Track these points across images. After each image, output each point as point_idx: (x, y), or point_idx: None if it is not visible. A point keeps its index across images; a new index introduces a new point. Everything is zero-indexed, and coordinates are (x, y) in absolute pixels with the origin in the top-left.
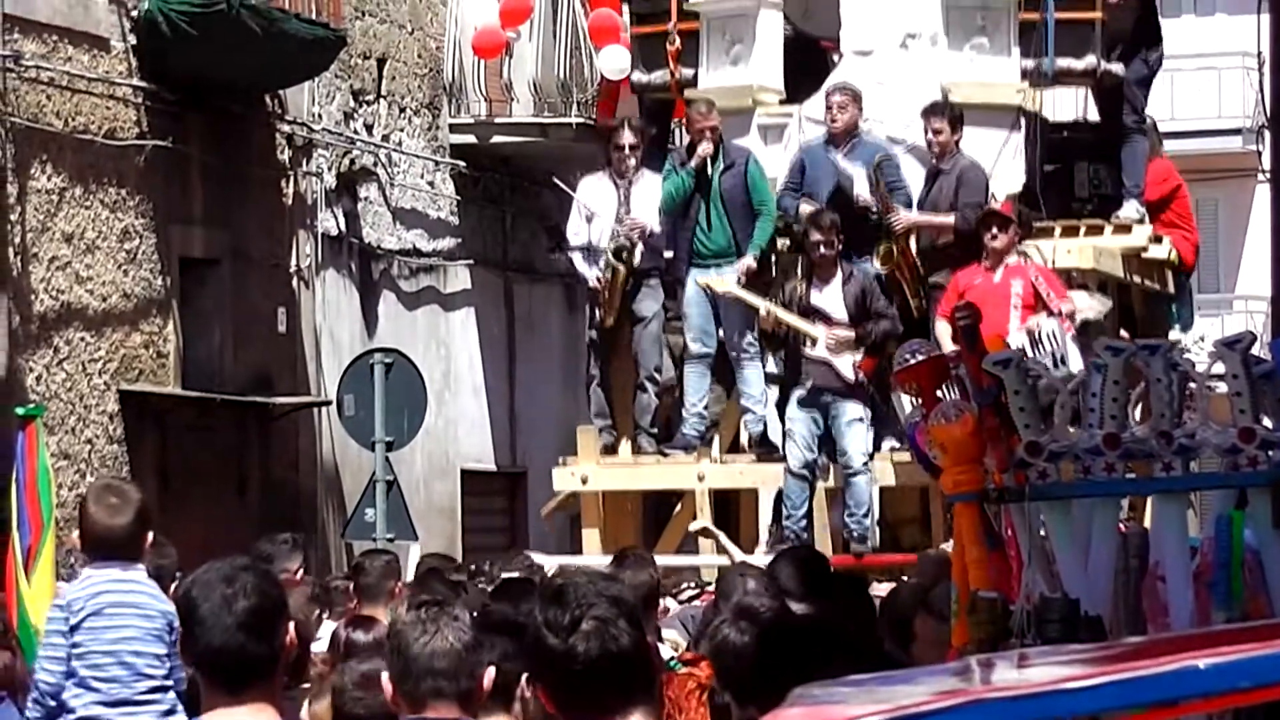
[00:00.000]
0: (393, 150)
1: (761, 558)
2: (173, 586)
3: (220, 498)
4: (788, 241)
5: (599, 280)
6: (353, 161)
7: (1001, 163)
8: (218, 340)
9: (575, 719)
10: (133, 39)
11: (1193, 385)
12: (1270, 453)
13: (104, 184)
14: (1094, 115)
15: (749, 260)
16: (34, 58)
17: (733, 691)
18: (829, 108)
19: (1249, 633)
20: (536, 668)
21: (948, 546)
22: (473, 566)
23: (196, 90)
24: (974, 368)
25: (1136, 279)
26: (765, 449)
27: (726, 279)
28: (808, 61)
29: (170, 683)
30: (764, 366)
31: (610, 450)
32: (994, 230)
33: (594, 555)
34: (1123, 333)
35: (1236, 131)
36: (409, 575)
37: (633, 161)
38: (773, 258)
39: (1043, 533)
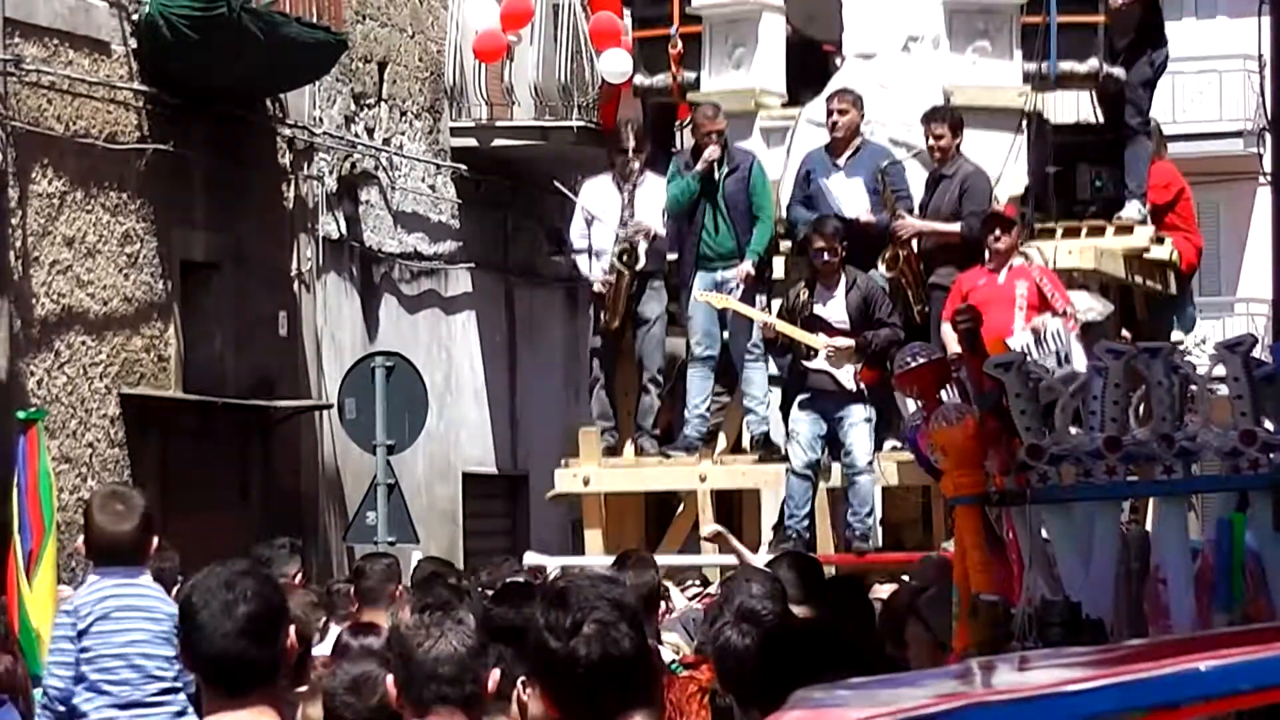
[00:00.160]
0: (394, 154)
1: (765, 558)
2: (174, 590)
3: (221, 501)
4: (790, 244)
5: (603, 283)
6: (354, 165)
7: (1004, 166)
8: (219, 344)
9: None
10: (133, 43)
11: (1194, 388)
12: (1271, 455)
13: (105, 188)
14: (1096, 117)
15: (747, 266)
16: (35, 62)
17: (735, 694)
18: (830, 113)
19: (1250, 635)
20: (538, 670)
21: (949, 546)
22: (459, 572)
23: (197, 94)
24: (975, 371)
25: (1138, 280)
26: (767, 450)
27: (724, 295)
28: (809, 64)
29: (180, 685)
30: (767, 368)
31: (612, 452)
32: (997, 232)
33: (596, 556)
34: (1124, 333)
35: (1238, 134)
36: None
37: (636, 164)
38: (777, 260)
39: (1044, 535)
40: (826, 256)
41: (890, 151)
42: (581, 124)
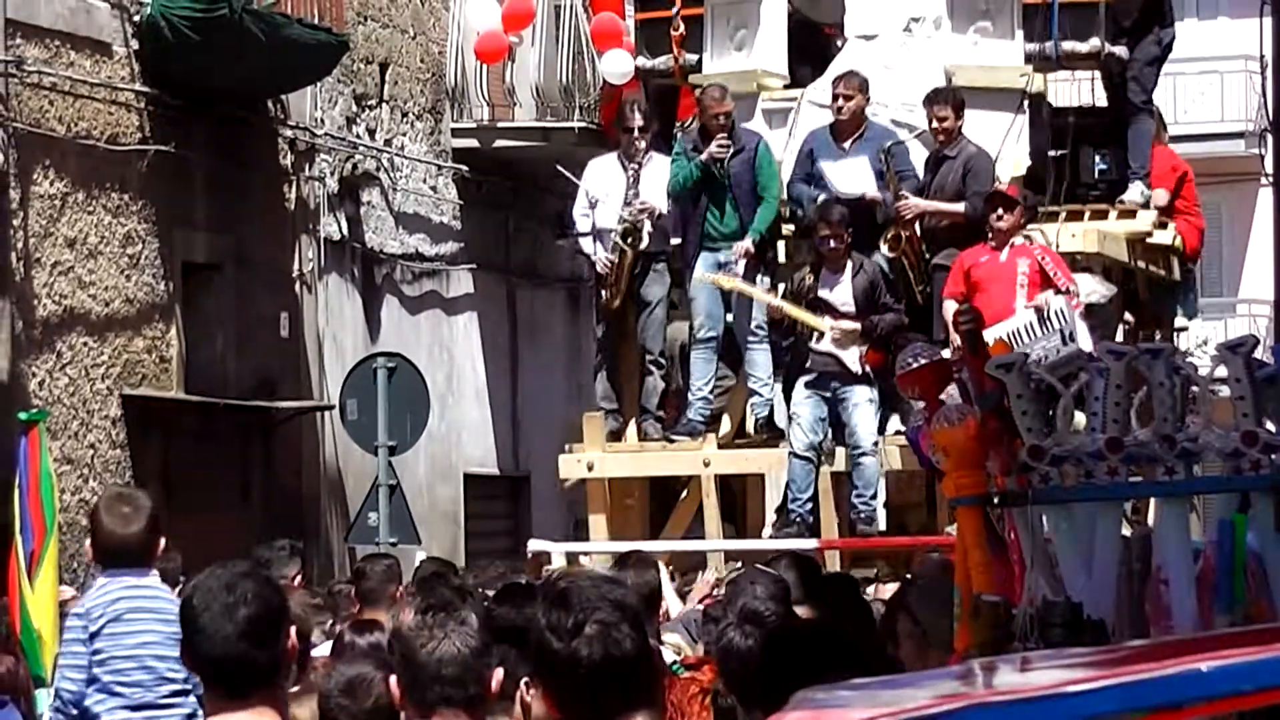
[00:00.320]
0: (395, 155)
1: (768, 541)
2: (176, 591)
3: (223, 502)
4: (793, 228)
5: (606, 262)
6: (355, 166)
7: (1005, 146)
8: (220, 345)
9: None
10: (135, 44)
11: (1195, 389)
12: (1273, 456)
13: (106, 189)
14: (1101, 100)
15: (747, 243)
16: (37, 63)
17: (739, 696)
18: (835, 97)
19: (1251, 636)
20: (540, 671)
21: (953, 530)
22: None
23: (199, 95)
24: (977, 371)
25: (1141, 264)
26: (771, 433)
27: (731, 275)
28: (809, 46)
29: (190, 686)
30: (771, 351)
31: (616, 436)
32: (1000, 211)
33: (601, 542)
34: (1127, 317)
35: (1239, 135)
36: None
37: (642, 144)
38: (779, 244)
39: (1045, 536)
40: (833, 244)
41: (894, 133)
42: (583, 125)
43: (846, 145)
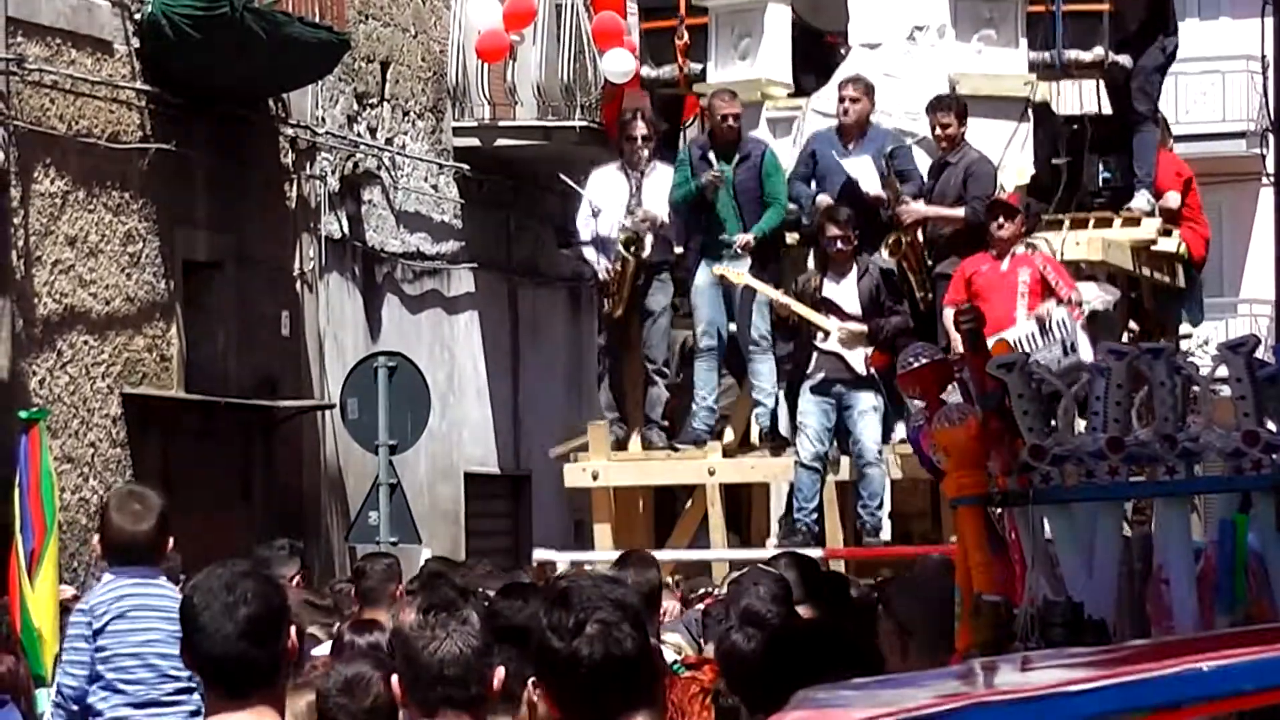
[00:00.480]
0: (396, 154)
1: (773, 550)
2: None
3: (224, 501)
4: (797, 236)
5: (609, 271)
6: (356, 165)
7: (1009, 154)
8: (221, 344)
9: None
10: (136, 42)
11: (1196, 389)
12: (1274, 456)
13: (107, 187)
14: (1104, 105)
15: (748, 236)
16: (38, 61)
17: (743, 698)
18: (841, 100)
19: (1252, 636)
20: (540, 671)
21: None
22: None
23: (200, 94)
24: (978, 371)
25: (1146, 272)
26: (776, 442)
27: (740, 269)
28: (813, 55)
29: (194, 684)
30: (774, 359)
31: (620, 445)
32: (1001, 219)
33: (606, 551)
34: (1132, 325)
35: (1241, 135)
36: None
37: (645, 153)
38: (780, 250)
39: (1046, 536)
40: (840, 245)
41: (898, 135)
42: (584, 124)
43: (850, 147)
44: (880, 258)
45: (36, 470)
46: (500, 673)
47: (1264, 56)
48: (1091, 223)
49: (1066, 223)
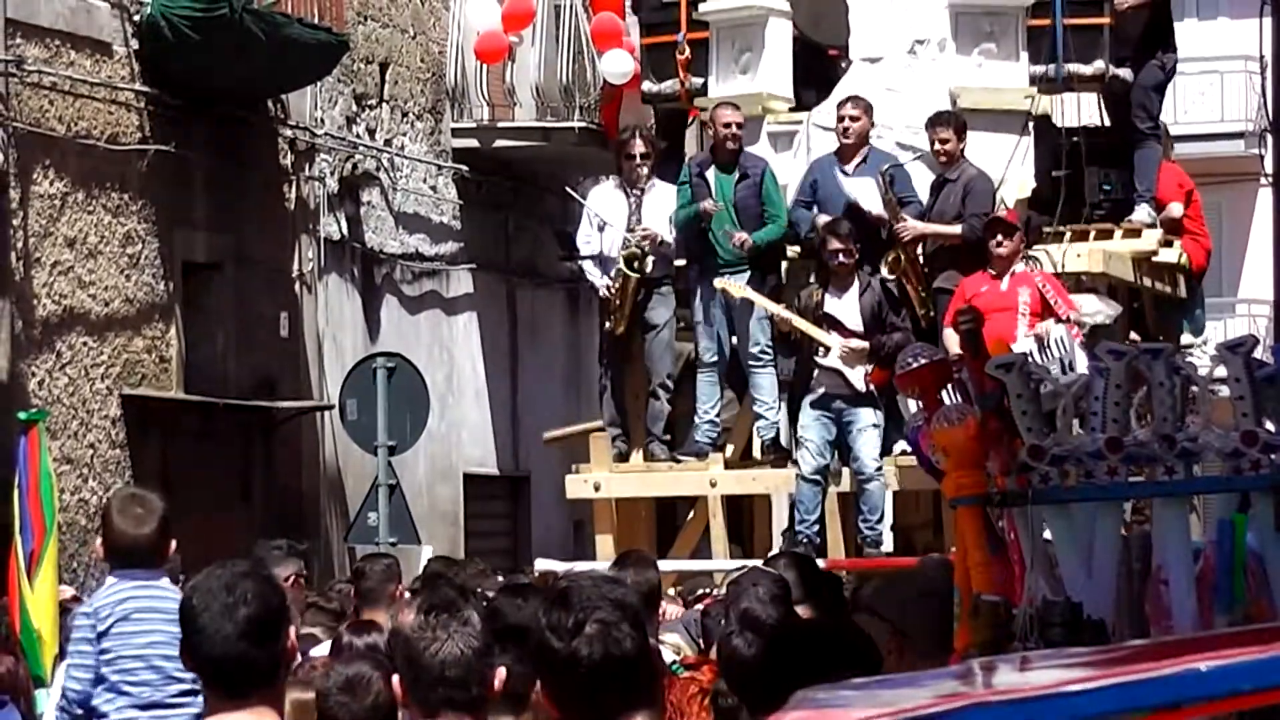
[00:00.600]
0: (395, 155)
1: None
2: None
3: (223, 502)
4: (798, 249)
5: (610, 288)
6: (355, 166)
7: (1010, 168)
8: (220, 345)
9: None
10: (135, 44)
11: (1195, 389)
12: (1273, 456)
13: (106, 189)
14: (1105, 120)
15: (746, 235)
16: (37, 62)
17: (745, 701)
18: (841, 119)
19: (1251, 636)
20: (539, 670)
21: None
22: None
23: (199, 95)
24: (976, 371)
25: (1147, 283)
26: (777, 455)
27: (741, 282)
28: (814, 69)
29: (199, 686)
30: (777, 373)
31: (623, 459)
32: (999, 237)
33: (607, 561)
34: (1133, 336)
35: (1239, 135)
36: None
37: (644, 170)
38: (783, 265)
39: (1045, 536)
40: (842, 258)
41: (894, 156)
42: (583, 125)
43: (850, 169)
44: (878, 276)
45: (36, 471)
46: (501, 673)
47: (1262, 57)
48: (1092, 235)
49: (1067, 235)
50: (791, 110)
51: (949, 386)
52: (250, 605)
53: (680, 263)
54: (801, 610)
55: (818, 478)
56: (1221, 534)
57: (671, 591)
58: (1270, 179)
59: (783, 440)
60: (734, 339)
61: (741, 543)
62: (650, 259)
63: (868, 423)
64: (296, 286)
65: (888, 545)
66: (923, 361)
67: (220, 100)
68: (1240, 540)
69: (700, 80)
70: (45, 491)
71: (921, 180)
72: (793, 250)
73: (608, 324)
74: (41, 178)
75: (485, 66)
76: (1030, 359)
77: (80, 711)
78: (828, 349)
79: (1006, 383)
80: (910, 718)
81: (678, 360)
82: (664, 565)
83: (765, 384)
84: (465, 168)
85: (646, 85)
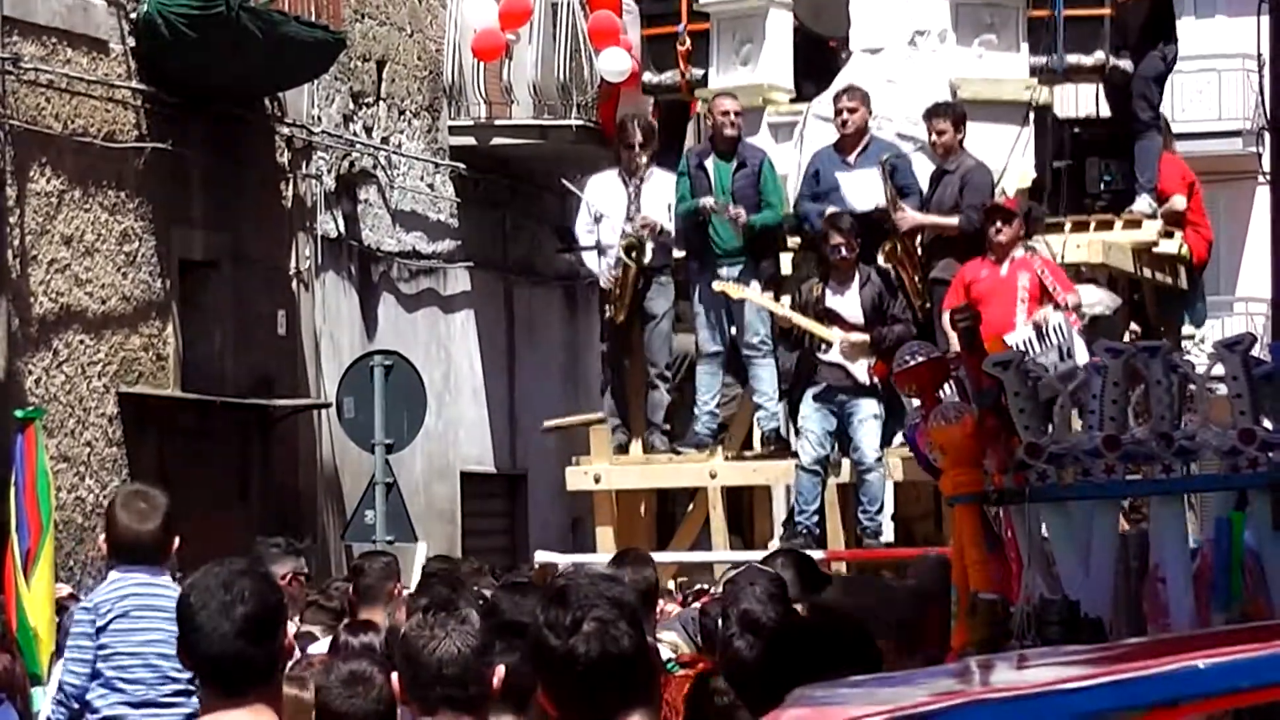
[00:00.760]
0: (392, 152)
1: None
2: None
3: (220, 500)
4: (799, 240)
5: (610, 278)
6: (352, 164)
7: (1011, 159)
8: (217, 343)
9: None
10: (132, 41)
11: (1193, 387)
12: (1270, 454)
13: (103, 187)
14: (1105, 111)
15: (741, 210)
16: (33, 60)
17: (747, 703)
18: (839, 111)
19: (1248, 634)
20: (537, 668)
21: None
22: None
23: (196, 93)
24: (974, 369)
25: (1147, 274)
26: (778, 446)
27: (741, 285)
28: (814, 60)
29: (194, 687)
30: (777, 364)
31: (623, 450)
32: (998, 224)
33: (607, 554)
34: (1133, 327)
35: (1237, 133)
36: (414, 577)
37: (643, 159)
38: (783, 257)
39: (1043, 534)
40: (844, 252)
41: (895, 146)
42: (580, 123)
43: (851, 160)
44: (878, 263)
45: (32, 469)
46: (500, 671)
47: (1260, 55)
48: (1092, 225)
49: (1067, 225)
50: (792, 101)
51: (947, 384)
52: (248, 603)
53: (680, 254)
54: (800, 609)
55: (817, 469)
56: (1219, 532)
57: (672, 585)
58: (1267, 177)
59: (782, 431)
60: (733, 330)
61: (741, 533)
62: (649, 248)
63: (869, 413)
64: (294, 284)
65: (888, 536)
66: (920, 359)
67: (217, 98)
68: (1238, 538)
69: (701, 71)
70: (42, 490)
71: (923, 171)
72: (793, 241)
73: (608, 311)
74: (38, 175)
75: (482, 64)
76: (1028, 349)
77: (77, 706)
78: (829, 344)
79: (1004, 380)
80: (908, 715)
81: (677, 354)
82: (664, 557)
83: (765, 375)
84: (462, 165)
85: (647, 76)
